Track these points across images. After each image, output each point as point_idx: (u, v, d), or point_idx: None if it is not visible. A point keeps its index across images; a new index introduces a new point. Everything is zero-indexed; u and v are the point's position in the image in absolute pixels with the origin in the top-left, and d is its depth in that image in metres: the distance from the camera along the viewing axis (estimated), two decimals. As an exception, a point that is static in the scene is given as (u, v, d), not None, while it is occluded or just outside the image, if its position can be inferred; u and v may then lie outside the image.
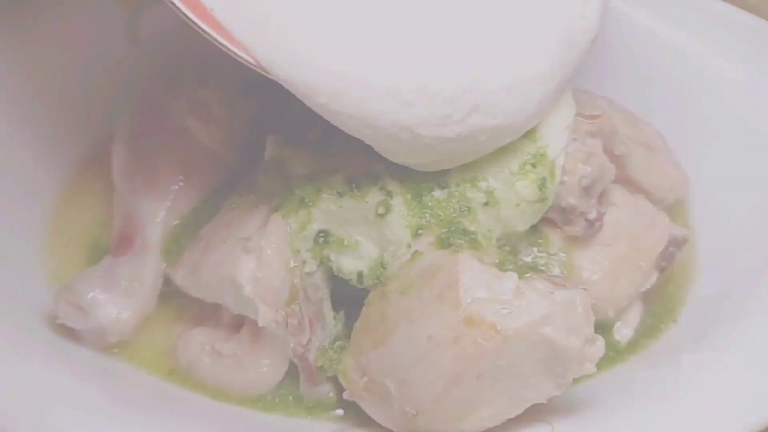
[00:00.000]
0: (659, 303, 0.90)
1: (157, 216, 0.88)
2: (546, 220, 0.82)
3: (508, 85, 0.70)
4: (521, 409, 0.70)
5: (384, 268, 0.76)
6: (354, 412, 0.77)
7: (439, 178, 0.77)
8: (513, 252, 0.79)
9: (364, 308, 0.77)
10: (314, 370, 0.79)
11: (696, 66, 1.01)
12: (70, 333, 0.81)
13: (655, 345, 0.85)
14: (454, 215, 0.75)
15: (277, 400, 0.82)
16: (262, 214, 0.80)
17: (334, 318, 0.82)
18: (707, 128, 0.99)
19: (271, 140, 0.84)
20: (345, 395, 0.76)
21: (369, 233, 0.77)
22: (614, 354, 0.84)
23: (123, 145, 0.92)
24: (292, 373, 0.81)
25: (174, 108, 0.93)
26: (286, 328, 0.76)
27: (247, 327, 0.80)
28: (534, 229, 0.80)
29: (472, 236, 0.74)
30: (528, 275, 0.72)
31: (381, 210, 0.76)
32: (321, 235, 0.78)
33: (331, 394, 0.81)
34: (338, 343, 0.79)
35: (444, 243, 0.73)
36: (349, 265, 0.78)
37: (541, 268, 0.81)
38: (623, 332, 0.87)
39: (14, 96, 0.92)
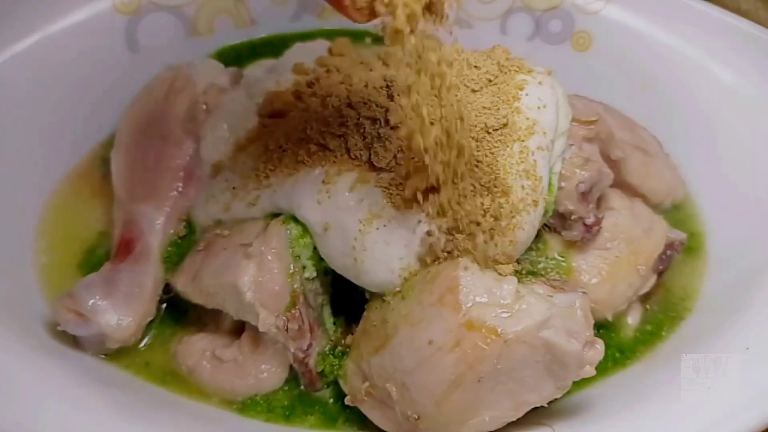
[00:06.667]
0: (660, 308, 0.90)
1: (157, 222, 0.88)
2: (544, 225, 0.82)
3: None
4: (522, 412, 0.70)
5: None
6: (355, 417, 0.78)
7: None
8: (512, 257, 0.80)
9: (364, 313, 0.77)
10: (315, 375, 0.79)
11: (691, 70, 1.02)
12: (70, 340, 0.80)
13: (654, 348, 0.86)
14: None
15: (277, 405, 0.82)
16: (262, 220, 0.81)
17: (335, 323, 0.82)
18: (702, 132, 1.00)
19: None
20: (346, 400, 0.76)
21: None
22: (614, 357, 0.85)
23: (122, 153, 0.92)
24: (293, 378, 0.81)
25: (172, 115, 0.93)
26: (286, 333, 0.76)
27: (248, 332, 0.80)
28: (533, 233, 0.80)
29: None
30: (527, 279, 0.72)
31: None
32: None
33: (331, 400, 0.81)
34: (339, 348, 0.80)
35: (444, 248, 0.73)
36: None
37: (540, 272, 0.81)
38: (623, 335, 0.87)
39: (10, 101, 0.92)
